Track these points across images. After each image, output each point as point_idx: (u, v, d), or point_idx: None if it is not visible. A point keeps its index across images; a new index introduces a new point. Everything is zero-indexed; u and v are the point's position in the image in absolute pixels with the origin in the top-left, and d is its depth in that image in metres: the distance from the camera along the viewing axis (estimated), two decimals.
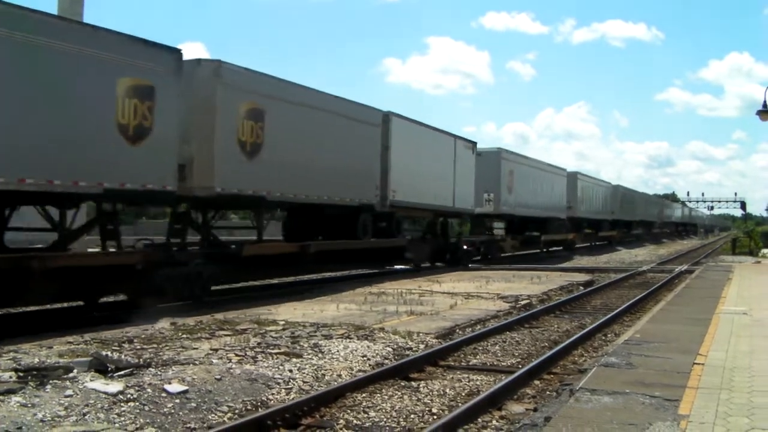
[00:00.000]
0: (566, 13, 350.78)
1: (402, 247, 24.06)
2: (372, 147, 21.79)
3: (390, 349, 10.44)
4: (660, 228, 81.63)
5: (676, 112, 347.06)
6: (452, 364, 9.98)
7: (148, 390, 7.49)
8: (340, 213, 20.61)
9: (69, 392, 7.23)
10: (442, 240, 28.11)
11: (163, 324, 11.99)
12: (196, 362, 8.88)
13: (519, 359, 10.55)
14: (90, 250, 15.77)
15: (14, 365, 8.30)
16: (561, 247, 42.64)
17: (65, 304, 14.47)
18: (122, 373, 8.13)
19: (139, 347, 9.91)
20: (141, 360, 8.85)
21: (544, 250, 40.55)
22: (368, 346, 10.47)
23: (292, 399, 7.66)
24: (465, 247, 28.98)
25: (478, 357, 10.63)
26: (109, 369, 8.22)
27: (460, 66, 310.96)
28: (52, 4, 24.52)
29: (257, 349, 9.88)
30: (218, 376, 8.19)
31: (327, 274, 22.03)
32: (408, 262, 25.24)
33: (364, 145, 21.14)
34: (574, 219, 44.41)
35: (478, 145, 30.39)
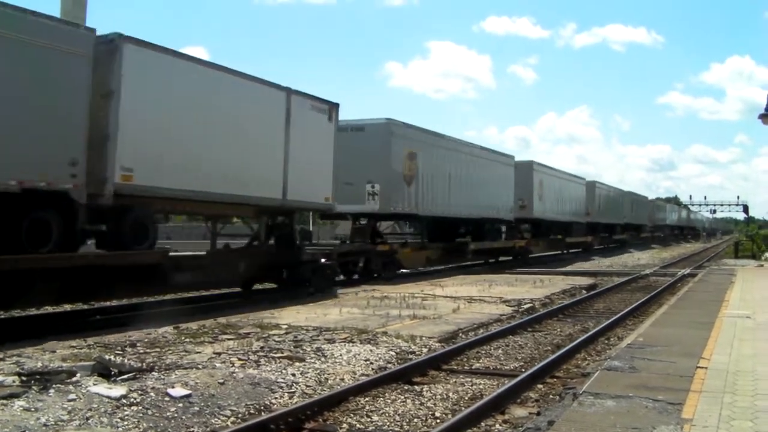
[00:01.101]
0: (567, 18, 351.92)
1: (153, 266, 13.75)
2: None
3: (393, 353, 10.43)
4: (651, 232, 74.71)
5: (678, 116, 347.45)
6: (455, 368, 9.97)
7: (152, 394, 7.49)
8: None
9: (72, 396, 7.23)
10: (283, 249, 18.31)
11: (166, 328, 11.99)
12: (199, 366, 8.88)
13: (522, 363, 10.54)
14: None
15: (17, 369, 8.31)
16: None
17: (68, 308, 14.50)
18: (125, 377, 8.14)
19: (142, 351, 9.92)
20: (144, 364, 8.86)
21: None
22: (371, 350, 10.46)
23: (296, 403, 7.65)
24: (323, 261, 19.04)
25: (481, 361, 10.62)
26: (113, 373, 8.23)
27: (461, 70, 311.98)
28: (54, 7, 24.54)
29: (260, 353, 9.88)
30: (221, 380, 8.19)
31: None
32: (178, 290, 15.70)
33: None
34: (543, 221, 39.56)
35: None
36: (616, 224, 56.36)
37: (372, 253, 23.06)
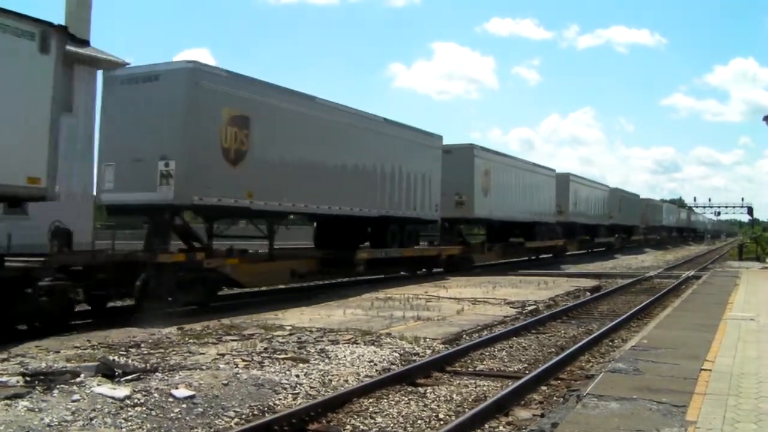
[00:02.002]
0: (570, 20, 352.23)
1: None
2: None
3: (397, 355, 10.43)
4: (644, 234, 67.12)
5: (682, 118, 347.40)
6: (459, 369, 9.96)
7: (155, 395, 7.50)
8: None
9: (76, 397, 7.25)
10: None
11: (170, 329, 12.02)
12: (203, 367, 8.89)
13: (526, 365, 10.53)
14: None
15: (21, 370, 8.34)
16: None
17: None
18: (129, 377, 8.15)
19: (146, 352, 9.93)
20: (148, 365, 8.87)
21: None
22: (375, 352, 10.46)
23: (299, 404, 7.65)
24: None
25: (485, 362, 10.61)
26: (116, 374, 8.24)
27: (465, 71, 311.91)
28: (59, 10, 24.55)
29: (264, 355, 9.89)
30: (225, 381, 8.20)
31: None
32: None
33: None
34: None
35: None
36: (598, 225, 49.55)
37: (152, 268, 13.90)
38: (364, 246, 22.87)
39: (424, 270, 25.96)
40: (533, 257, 38.17)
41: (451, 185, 27.23)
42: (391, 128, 22.74)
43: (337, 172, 19.67)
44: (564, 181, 41.59)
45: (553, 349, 11.80)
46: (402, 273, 24.49)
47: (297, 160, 17.96)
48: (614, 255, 48.06)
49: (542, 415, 7.40)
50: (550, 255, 39.83)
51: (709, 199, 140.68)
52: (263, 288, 19.13)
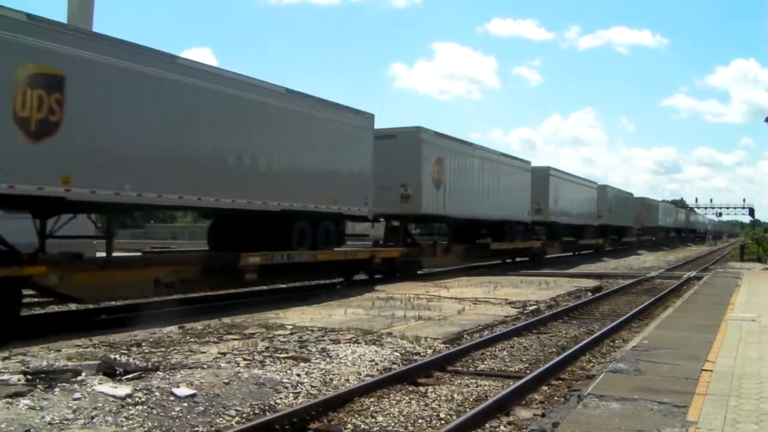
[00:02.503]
0: (571, 20, 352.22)
1: None
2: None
3: (398, 354, 10.43)
4: (638, 236, 62.58)
5: (683, 118, 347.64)
6: (460, 369, 9.96)
7: (157, 393, 7.51)
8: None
9: (77, 395, 7.26)
10: None
11: (171, 328, 12.03)
12: (204, 366, 8.90)
13: (527, 365, 10.53)
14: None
15: (23, 368, 8.34)
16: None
17: (73, 307, 14.53)
18: (130, 376, 8.16)
19: (147, 351, 9.94)
20: (149, 363, 8.88)
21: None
22: (376, 351, 10.46)
23: (300, 403, 7.66)
24: None
25: (486, 362, 10.61)
26: (118, 372, 8.25)
27: (466, 71, 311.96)
28: (61, 9, 24.58)
29: (265, 354, 9.89)
30: (226, 380, 8.21)
31: None
32: None
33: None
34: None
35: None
36: (586, 225, 45.07)
37: None
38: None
39: (365, 276, 22.75)
40: (506, 260, 34.70)
41: (396, 176, 23.73)
42: (298, 102, 18.21)
43: (217, 155, 15.61)
44: (543, 175, 37.27)
45: (554, 349, 11.80)
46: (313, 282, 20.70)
47: (150, 137, 13.96)
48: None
49: (543, 415, 7.40)
50: (526, 258, 35.99)
51: (711, 200, 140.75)
52: (265, 287, 19.09)
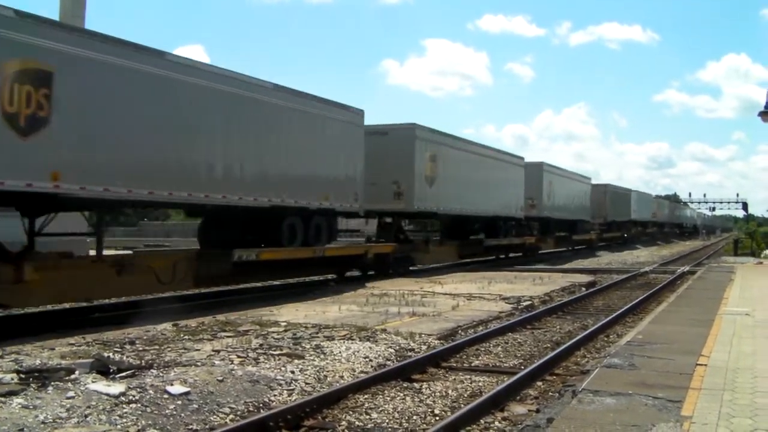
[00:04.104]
0: (562, 16, 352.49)
1: None
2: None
3: (392, 351, 10.42)
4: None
5: (675, 114, 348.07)
6: (454, 365, 9.96)
7: (150, 391, 7.48)
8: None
9: (71, 394, 7.22)
10: None
11: (165, 325, 11.99)
12: (198, 363, 8.87)
13: (521, 360, 10.53)
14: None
15: (16, 367, 8.30)
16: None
17: (67, 305, 14.47)
18: (124, 374, 8.13)
19: (141, 348, 9.91)
20: (143, 361, 8.85)
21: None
22: (370, 348, 10.45)
23: (295, 400, 7.65)
24: None
25: (480, 358, 10.61)
26: (111, 370, 8.22)
27: (458, 68, 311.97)
28: (54, 6, 24.47)
29: (259, 351, 9.87)
30: (220, 378, 8.18)
31: None
32: None
33: None
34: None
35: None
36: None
37: None
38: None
39: (358, 273, 22.72)
40: (500, 256, 34.15)
41: (389, 173, 23.55)
42: (287, 97, 18.04)
43: (207, 151, 15.46)
44: (537, 171, 37.02)
45: (549, 345, 11.80)
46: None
47: (140, 133, 13.80)
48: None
49: (538, 411, 7.41)
50: (520, 254, 35.70)
51: (704, 195, 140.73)
52: (258, 284, 19.05)
